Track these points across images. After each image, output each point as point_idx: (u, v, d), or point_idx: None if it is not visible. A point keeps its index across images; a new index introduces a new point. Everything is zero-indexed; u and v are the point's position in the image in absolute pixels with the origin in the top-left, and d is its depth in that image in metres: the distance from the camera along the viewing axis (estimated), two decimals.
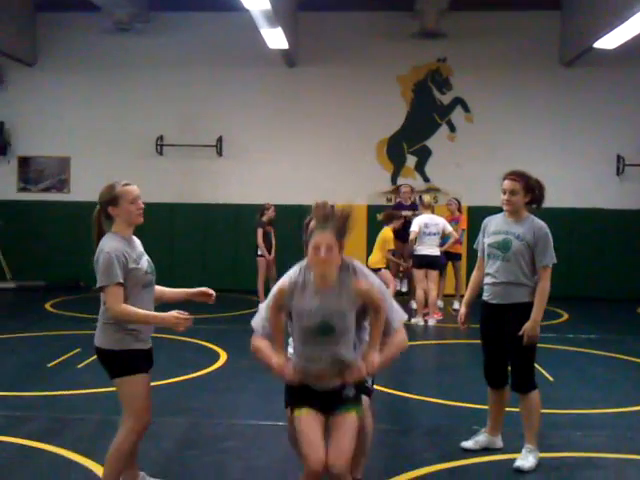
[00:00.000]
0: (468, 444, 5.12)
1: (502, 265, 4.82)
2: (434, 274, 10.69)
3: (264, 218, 11.64)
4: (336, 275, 3.47)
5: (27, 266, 14.19)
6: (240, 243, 13.66)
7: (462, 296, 12.39)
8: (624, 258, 13.69)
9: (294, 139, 14.14)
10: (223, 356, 8.21)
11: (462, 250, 12.13)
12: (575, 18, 13.26)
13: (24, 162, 14.66)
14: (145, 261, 3.98)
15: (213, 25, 13.97)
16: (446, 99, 14.31)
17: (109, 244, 3.83)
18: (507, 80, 14.05)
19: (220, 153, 14.26)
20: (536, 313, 4.71)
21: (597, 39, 11.89)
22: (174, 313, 3.80)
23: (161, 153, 14.28)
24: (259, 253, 11.65)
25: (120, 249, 3.82)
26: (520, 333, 4.69)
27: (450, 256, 11.60)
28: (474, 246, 5.22)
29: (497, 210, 13.59)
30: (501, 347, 4.89)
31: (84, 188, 13.78)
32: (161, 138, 14.25)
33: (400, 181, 14.07)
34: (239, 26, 12.83)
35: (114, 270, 3.75)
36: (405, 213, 11.72)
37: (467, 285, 14.07)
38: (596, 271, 13.38)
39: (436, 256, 10.70)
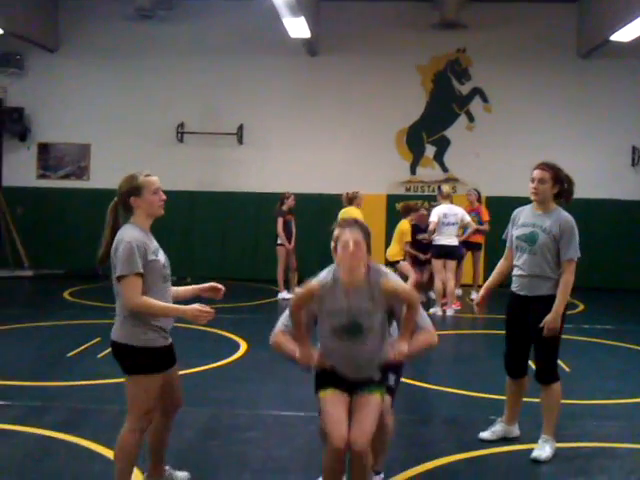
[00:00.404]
0: (485, 435, 5.24)
1: (529, 258, 4.88)
2: (452, 264, 10.75)
3: (284, 207, 11.71)
4: (364, 275, 3.60)
5: (45, 254, 14.29)
6: (260, 232, 13.78)
7: (480, 286, 12.56)
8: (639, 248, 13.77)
9: (314, 128, 14.23)
10: (244, 346, 8.25)
11: (482, 240, 12.17)
12: (592, 11, 13.29)
13: (44, 149, 14.77)
14: (162, 254, 3.90)
15: (235, 13, 14.02)
16: (465, 89, 14.38)
17: (129, 233, 3.73)
18: (525, 71, 14.09)
19: (241, 141, 14.37)
20: (558, 305, 4.77)
21: (613, 32, 11.96)
22: (196, 306, 3.74)
23: (182, 140, 14.42)
24: (279, 242, 11.69)
25: (140, 239, 3.72)
26: (541, 325, 4.77)
27: (470, 246, 11.68)
28: (502, 237, 5.26)
29: (516, 201, 13.58)
30: (524, 338, 4.98)
31: (104, 175, 13.92)
32: (182, 125, 14.38)
33: (419, 171, 14.17)
34: (261, 14, 12.85)
35: (135, 259, 3.65)
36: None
37: (486, 275, 14.07)
38: (612, 261, 13.39)
39: (454, 246, 10.78)
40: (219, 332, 8.82)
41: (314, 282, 3.68)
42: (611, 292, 12.94)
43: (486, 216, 12.16)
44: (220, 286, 4.08)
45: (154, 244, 3.85)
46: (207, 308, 3.75)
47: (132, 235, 3.73)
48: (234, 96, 14.28)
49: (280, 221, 11.62)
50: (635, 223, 13.75)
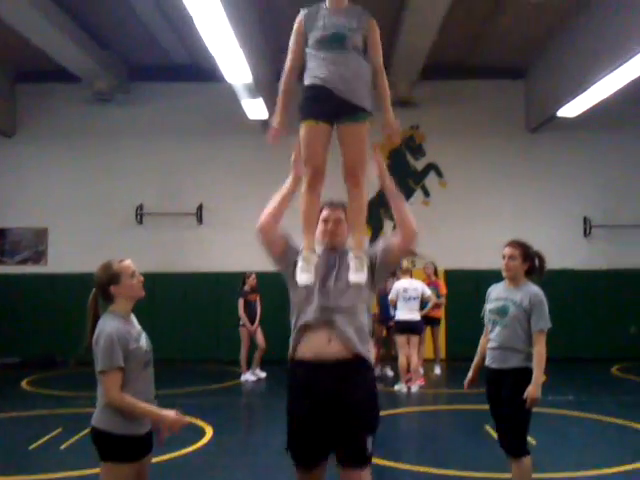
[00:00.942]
0: None
1: (501, 330, 5.05)
2: (416, 340, 10.73)
3: (246, 287, 11.65)
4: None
5: (1, 342, 13.88)
6: (222, 312, 13.67)
7: (442, 360, 12.65)
8: (595, 318, 14.05)
9: None
10: (209, 431, 7.96)
11: (441, 314, 12.27)
12: (538, 88, 13.87)
13: (0, 234, 14.62)
14: (144, 339, 3.88)
15: (193, 95, 14.29)
16: (420, 165, 14.74)
17: (110, 324, 3.72)
18: (477, 146, 14.53)
19: (200, 221, 14.43)
20: (537, 377, 4.88)
21: (559, 108, 12.49)
22: (173, 414, 3.74)
23: (141, 222, 14.42)
24: (241, 323, 11.61)
25: (121, 329, 3.72)
26: (524, 396, 4.83)
27: (429, 320, 11.66)
28: (480, 315, 5.40)
29: (473, 273, 13.89)
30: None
31: (62, 260, 13.83)
32: (141, 207, 14.40)
33: None
34: (219, 96, 13.14)
35: (116, 353, 3.65)
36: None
37: (448, 349, 14.14)
38: (568, 331, 13.59)
39: (417, 321, 10.78)
40: None
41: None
42: (567, 362, 13.01)
43: (444, 289, 12.29)
44: (184, 421, 3.86)
45: (136, 329, 3.86)
46: (185, 418, 3.78)
47: (112, 326, 3.73)
48: (193, 176, 14.41)
49: (241, 302, 11.56)
50: (589, 292, 14.08)
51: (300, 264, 3.75)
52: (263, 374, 11.85)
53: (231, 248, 14.18)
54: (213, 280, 14.11)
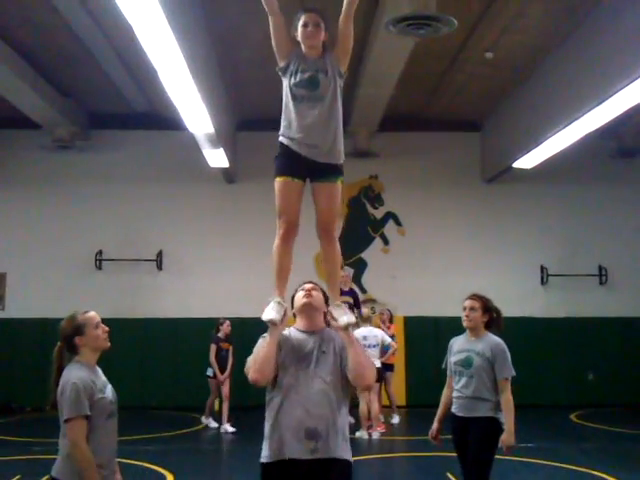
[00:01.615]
0: None
1: (467, 381, 5.22)
2: (376, 386, 10.77)
3: (219, 334, 11.16)
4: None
5: None
6: (180, 358, 13.59)
7: (398, 407, 12.66)
8: (554, 365, 14.24)
9: (234, 253, 14.35)
10: (170, 478, 7.91)
11: (393, 360, 12.10)
12: (493, 140, 14.24)
13: None
14: (109, 390, 3.90)
15: (154, 143, 14.36)
16: (379, 213, 14.95)
17: (76, 374, 3.74)
18: (435, 196, 14.80)
19: (160, 267, 14.38)
20: (509, 424, 5.05)
21: (515, 160, 12.80)
22: None
23: (100, 268, 14.31)
24: (208, 373, 11.09)
25: (86, 379, 3.73)
26: (500, 446, 5.00)
27: (383, 367, 11.45)
28: (442, 366, 5.57)
29: (431, 320, 13.91)
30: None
31: (20, 305, 13.65)
32: (100, 253, 14.31)
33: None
34: (180, 144, 13.25)
35: (82, 402, 3.65)
36: (345, 299, 11.79)
37: (408, 395, 14.09)
38: (527, 379, 13.61)
39: (377, 368, 10.82)
40: (142, 464, 8.47)
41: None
42: (527, 409, 13.13)
43: (392, 330, 12.24)
44: None
45: (101, 380, 3.87)
46: None
47: (78, 375, 3.73)
48: (153, 223, 14.41)
49: (213, 348, 10.99)
50: (547, 340, 14.29)
51: (271, 305, 3.76)
52: (232, 429, 11.10)
53: (190, 294, 14.15)
54: (172, 326, 13.99)
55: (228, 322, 11.27)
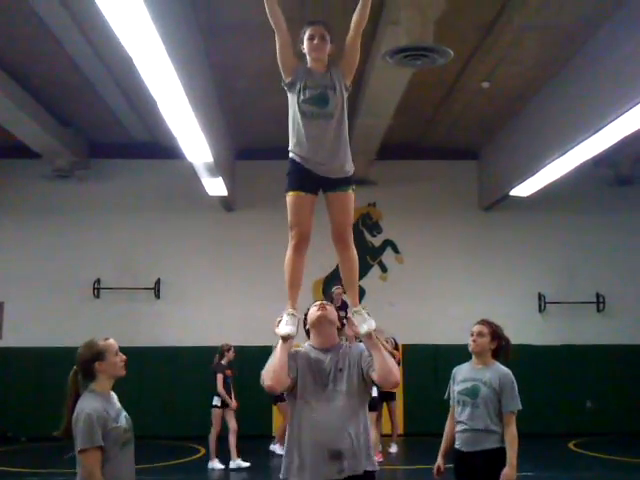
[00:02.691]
0: None
1: (472, 411, 5.00)
2: (373, 416, 10.68)
3: (223, 361, 10.64)
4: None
5: None
6: (178, 386, 13.55)
7: (399, 435, 12.60)
8: (552, 393, 14.16)
9: (232, 281, 14.38)
10: None
11: (396, 389, 12.22)
12: (490, 168, 14.33)
13: None
14: (123, 418, 3.92)
15: (153, 171, 14.42)
16: (377, 241, 14.99)
17: (91, 404, 3.76)
18: (432, 223, 14.85)
19: (158, 296, 14.37)
20: (511, 457, 4.86)
21: (512, 188, 12.87)
22: None
23: (98, 296, 14.30)
24: (215, 403, 10.42)
25: (101, 409, 3.76)
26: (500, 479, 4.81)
27: (384, 396, 11.45)
28: (444, 396, 5.35)
29: (430, 348, 13.87)
30: None
31: (18, 334, 13.60)
32: (98, 281, 14.31)
33: None
34: (179, 173, 13.27)
35: (95, 433, 3.67)
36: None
37: (407, 424, 13.86)
38: (525, 407, 13.55)
39: (373, 397, 10.77)
40: None
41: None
42: (525, 437, 12.99)
43: (398, 358, 12.19)
44: None
45: (115, 409, 3.89)
46: None
47: (93, 406, 3.75)
48: (151, 251, 14.43)
49: (220, 377, 10.39)
50: (546, 368, 14.25)
51: (285, 318, 3.79)
52: (246, 464, 10.54)
53: (188, 323, 14.13)
54: (169, 354, 13.95)
55: (233, 349, 10.85)
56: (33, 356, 13.04)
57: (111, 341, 3.98)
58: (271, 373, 3.66)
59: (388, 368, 3.69)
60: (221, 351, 10.74)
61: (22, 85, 10.88)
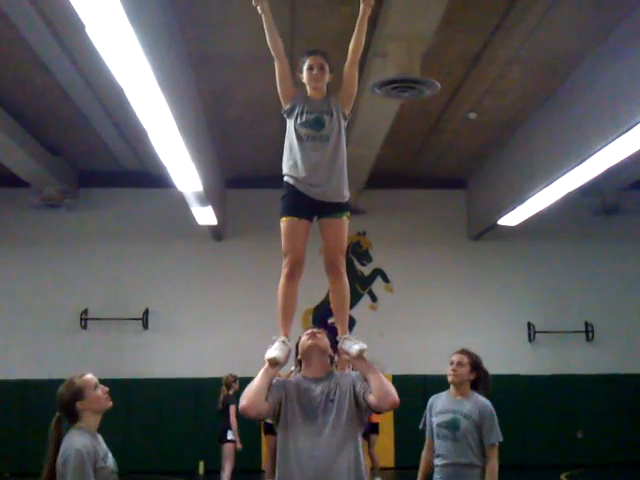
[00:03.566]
0: None
1: (453, 445, 4.84)
2: (365, 444, 10.59)
3: (230, 391, 10.14)
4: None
5: None
6: (165, 418, 13.36)
7: (387, 469, 12.42)
8: (542, 424, 14.10)
9: (222, 311, 14.29)
10: None
11: (378, 419, 11.51)
12: (479, 198, 14.42)
13: None
14: (110, 459, 3.76)
15: (142, 201, 14.39)
16: (367, 270, 14.99)
17: (79, 441, 3.58)
18: (421, 252, 14.86)
19: (146, 326, 14.26)
20: None
21: (500, 217, 12.94)
22: None
23: (85, 327, 14.17)
24: (229, 437, 9.83)
25: (90, 446, 3.59)
26: None
27: (369, 428, 10.70)
28: (419, 427, 5.21)
29: (419, 378, 13.75)
30: None
31: (2, 366, 13.40)
32: (85, 312, 14.19)
33: None
34: (168, 203, 13.26)
35: (87, 471, 3.51)
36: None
37: (396, 457, 13.69)
38: (515, 438, 13.36)
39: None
40: None
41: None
42: (516, 469, 12.77)
43: None
44: None
45: (103, 448, 3.73)
46: None
47: (81, 442, 3.59)
48: (139, 281, 14.35)
49: (234, 410, 9.52)
50: (535, 398, 14.19)
51: (275, 344, 3.75)
52: None
53: (177, 354, 14.00)
54: (157, 386, 13.76)
55: (237, 380, 10.33)
56: (17, 389, 12.73)
57: (88, 376, 3.84)
58: (247, 395, 3.62)
59: (386, 388, 3.65)
60: (227, 383, 10.36)
61: (10, 113, 10.87)
